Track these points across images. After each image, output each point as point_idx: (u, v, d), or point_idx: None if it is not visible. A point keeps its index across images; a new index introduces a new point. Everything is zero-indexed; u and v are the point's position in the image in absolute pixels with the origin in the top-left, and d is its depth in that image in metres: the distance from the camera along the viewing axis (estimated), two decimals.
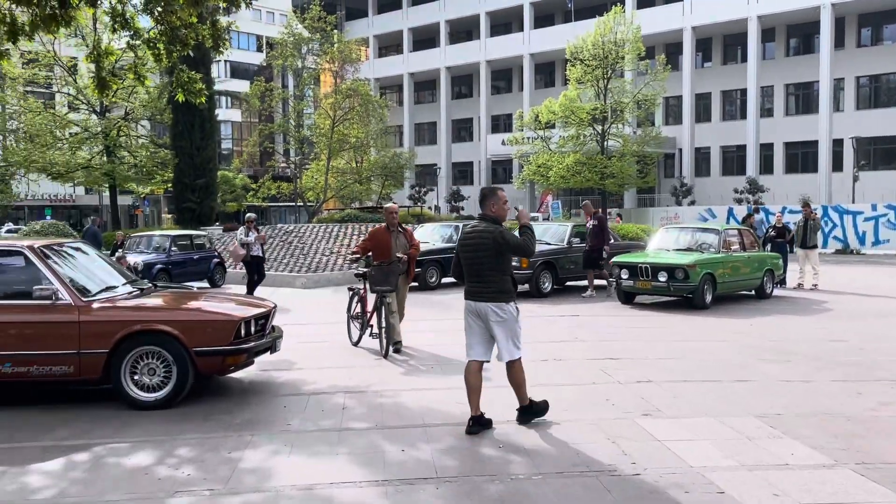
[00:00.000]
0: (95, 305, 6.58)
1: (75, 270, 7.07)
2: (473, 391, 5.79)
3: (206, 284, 18.45)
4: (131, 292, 7.16)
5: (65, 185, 40.40)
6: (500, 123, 54.58)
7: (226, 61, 71.61)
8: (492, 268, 5.72)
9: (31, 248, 6.69)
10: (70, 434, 5.84)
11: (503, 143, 45.60)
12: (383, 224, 9.40)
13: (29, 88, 40.80)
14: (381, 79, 58.60)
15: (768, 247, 16.65)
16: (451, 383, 7.32)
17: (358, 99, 41.70)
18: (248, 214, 15.44)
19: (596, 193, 39.15)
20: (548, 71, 53.40)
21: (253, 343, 6.83)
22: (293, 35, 42.98)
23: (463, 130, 58.47)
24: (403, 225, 9.45)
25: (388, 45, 61.06)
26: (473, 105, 56.16)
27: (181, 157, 33.01)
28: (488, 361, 5.91)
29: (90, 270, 7.31)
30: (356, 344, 9.45)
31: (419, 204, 47.14)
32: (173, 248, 17.68)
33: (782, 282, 16.28)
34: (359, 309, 9.58)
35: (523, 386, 5.96)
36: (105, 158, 34.57)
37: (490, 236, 5.68)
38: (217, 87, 62.11)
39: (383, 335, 8.87)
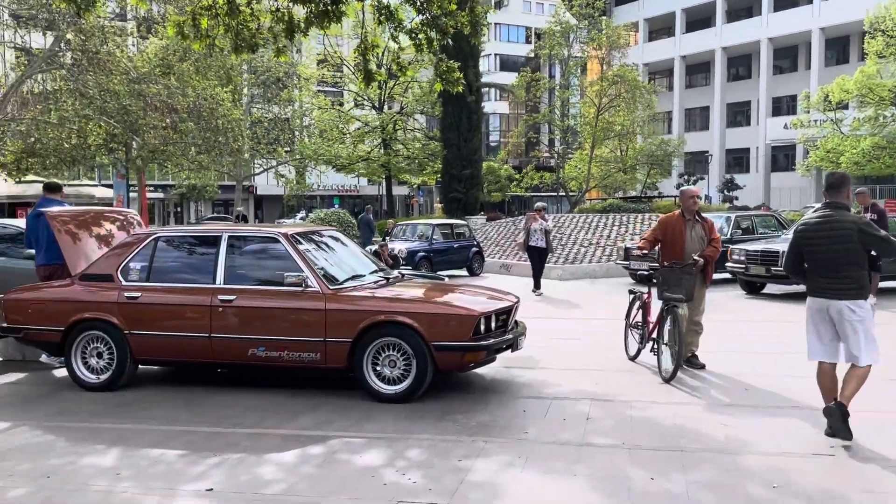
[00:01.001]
0: (342, 294, 6.59)
1: (325, 258, 7.18)
2: (829, 392, 5.40)
3: (464, 273, 18.71)
4: (377, 281, 7.12)
5: (347, 175, 43.63)
6: (782, 106, 49.97)
7: (495, 54, 73.33)
8: (851, 262, 5.21)
9: (284, 235, 6.87)
10: (312, 423, 5.86)
11: (785, 126, 41.61)
12: (677, 211, 7.74)
13: (320, 88, 44.85)
14: (650, 64, 56.37)
15: None
16: (713, 398, 6.42)
17: (624, 85, 40.36)
18: (536, 204, 15.38)
19: None
20: (840, 46, 47.83)
21: (493, 340, 6.45)
22: (560, 24, 42.65)
23: (739, 114, 54.40)
24: (702, 214, 7.75)
25: (659, 29, 58.47)
26: (751, 87, 51.98)
27: (449, 148, 34.17)
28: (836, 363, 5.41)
29: (340, 258, 7.40)
30: (633, 358, 7.98)
31: None
32: (435, 237, 18.12)
33: None
34: (639, 317, 7.97)
35: (857, 391, 5.26)
36: (382, 151, 36.87)
37: (853, 226, 5.18)
38: (485, 79, 64.11)
39: (668, 353, 7.17)
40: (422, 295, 6.94)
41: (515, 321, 7.27)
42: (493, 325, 6.53)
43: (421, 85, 35.16)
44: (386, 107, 39.63)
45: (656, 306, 7.54)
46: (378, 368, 6.44)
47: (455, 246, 18.51)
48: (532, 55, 51.91)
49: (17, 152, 21.17)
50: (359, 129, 37.68)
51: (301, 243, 6.94)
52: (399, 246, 17.27)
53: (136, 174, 26.56)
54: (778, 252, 12.92)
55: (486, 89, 67.72)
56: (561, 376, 7.36)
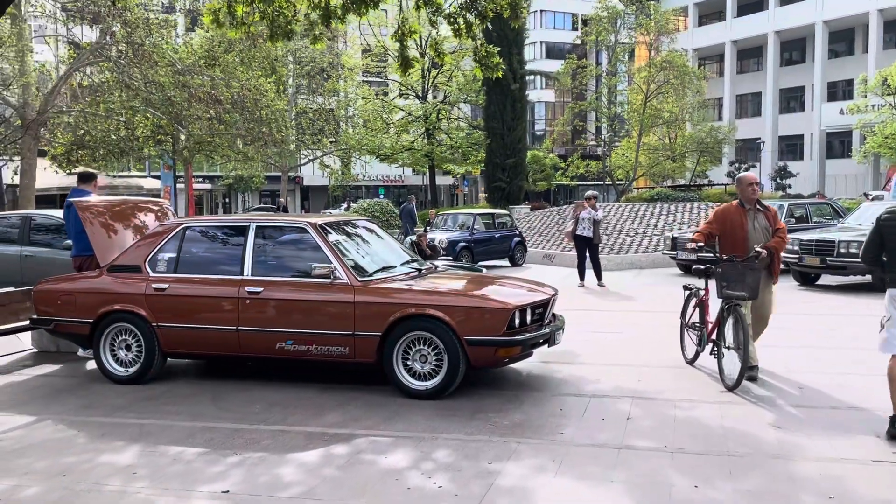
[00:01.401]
0: (371, 286, 6.37)
1: (356, 249, 6.96)
2: None
3: (506, 263, 18.40)
4: (409, 273, 6.87)
5: (391, 165, 43.53)
6: (838, 91, 48.29)
7: (540, 42, 72.48)
8: None
9: (313, 225, 6.65)
10: (339, 421, 5.64)
11: (841, 112, 40.23)
12: (735, 201, 6.93)
13: (364, 78, 44.80)
14: (699, 49, 54.97)
15: None
16: (763, 398, 6.03)
17: (673, 71, 39.44)
18: (587, 192, 14.93)
19: None
20: None
21: (528, 334, 6.15)
22: (607, 9, 41.82)
23: (792, 100, 52.78)
24: (764, 203, 6.93)
25: (709, 13, 56.98)
26: (806, 71, 50.32)
27: (492, 137, 33.83)
28: None
29: (371, 249, 7.17)
30: (692, 362, 7.23)
31: None
32: (476, 227, 17.84)
33: None
34: (696, 317, 7.19)
35: None
36: (425, 140, 36.63)
37: None
38: (530, 67, 63.40)
39: (732, 358, 6.37)
40: (454, 287, 6.68)
41: (553, 314, 6.97)
42: (528, 318, 6.24)
43: (464, 73, 34.76)
44: (430, 96, 39.36)
45: (715, 304, 6.77)
46: (409, 363, 6.20)
47: (497, 236, 18.19)
48: (578, 42, 51.01)
49: (66, 144, 21.48)
50: (402, 118, 37.47)
51: (330, 233, 6.73)
52: (440, 236, 17.04)
53: (183, 165, 26.77)
54: (834, 241, 12.34)
55: (531, 77, 67.23)
56: (601, 372, 7.03)
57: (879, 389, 6.13)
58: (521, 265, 18.51)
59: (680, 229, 18.86)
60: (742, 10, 53.06)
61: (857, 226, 13.22)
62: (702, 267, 6.93)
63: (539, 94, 68.94)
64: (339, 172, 38.63)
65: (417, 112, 36.83)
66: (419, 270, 7.03)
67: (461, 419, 5.62)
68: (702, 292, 7.13)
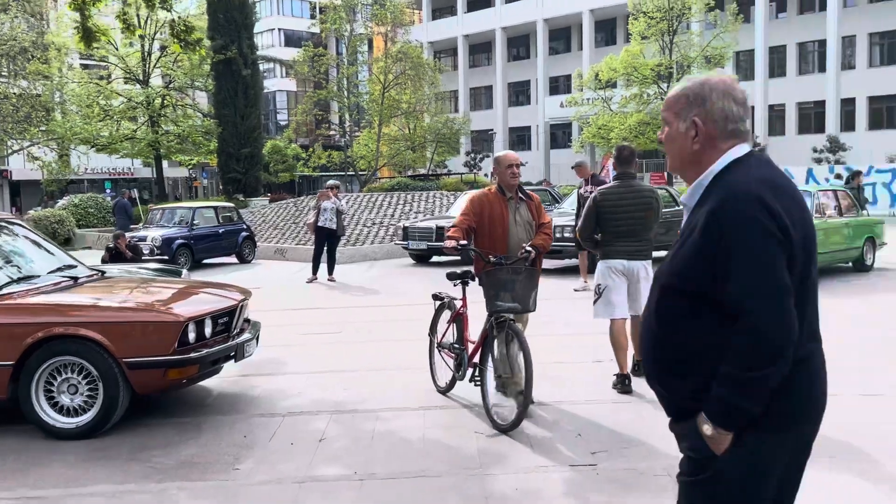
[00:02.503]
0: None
1: None
2: (622, 349, 5.64)
3: (234, 260, 17.12)
4: (58, 284, 5.60)
5: (111, 156, 39.68)
6: (560, 85, 51.99)
7: (279, 29, 70.61)
8: (649, 227, 5.72)
9: None
10: None
11: (561, 105, 43.24)
12: (492, 187, 5.61)
13: (84, 62, 40.28)
14: (435, 42, 56.49)
15: None
16: (468, 398, 5.56)
17: (409, 62, 40.00)
18: (328, 181, 13.93)
19: (661, 156, 36.59)
20: (609, 28, 50.45)
21: (208, 350, 5.20)
22: None
23: (520, 94, 56.05)
24: (525, 189, 5.66)
25: (442, 7, 58.72)
26: (530, 67, 53.62)
27: (225, 125, 31.97)
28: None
29: (6, 254, 5.77)
30: (446, 390, 5.73)
31: (474, 171, 45.27)
32: (196, 222, 16.30)
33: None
34: (452, 335, 5.66)
35: None
36: (149, 129, 33.68)
37: (652, 196, 5.75)
38: (270, 53, 61.23)
39: (505, 389, 5.18)
40: (115, 300, 5.53)
41: (248, 320, 6.08)
42: (208, 331, 5.29)
43: (190, 57, 32.34)
44: (160, 80, 36.27)
45: (475, 317, 5.55)
46: (55, 397, 4.99)
47: (221, 231, 16.80)
48: (316, 30, 50.09)
49: None
50: (121, 105, 34.09)
51: None
52: (154, 233, 15.35)
53: None
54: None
55: (272, 65, 65.11)
56: (305, 382, 6.27)
57: (585, 378, 6.00)
58: (251, 262, 17.31)
59: (416, 218, 18.76)
60: (472, 6, 55.26)
61: (571, 210, 13.71)
62: (457, 272, 5.50)
63: (281, 83, 67.18)
64: (53, 165, 34.35)
65: (139, 98, 33.70)
66: (74, 279, 5.77)
67: (117, 462, 4.55)
68: (458, 303, 5.62)
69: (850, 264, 12.58)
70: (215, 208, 17.49)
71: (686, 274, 1.94)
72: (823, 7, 40.69)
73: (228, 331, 5.60)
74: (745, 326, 1.83)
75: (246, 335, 5.76)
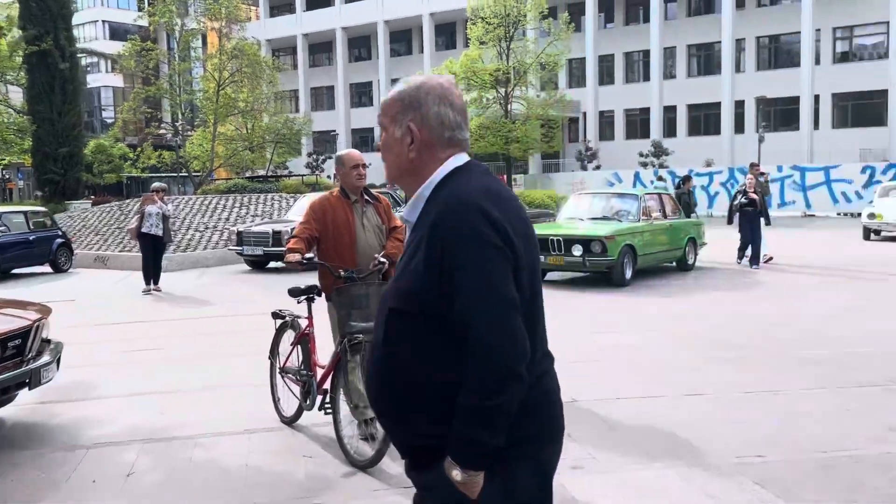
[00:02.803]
0: None
1: None
2: None
3: (47, 269, 15.69)
4: None
5: None
6: None
7: (103, 21, 66.43)
8: None
9: None
10: None
11: None
12: (335, 190, 5.05)
13: None
14: (273, 40, 55.05)
15: (736, 216, 13.64)
16: (313, 418, 5.21)
17: (245, 60, 38.63)
18: (153, 184, 12.86)
19: (500, 159, 37.48)
20: (449, 32, 51.20)
21: None
22: None
23: (363, 95, 55.70)
24: (371, 191, 5.17)
25: (281, 5, 57.34)
26: (372, 68, 53.43)
27: (39, 123, 29.43)
28: None
29: None
30: (292, 421, 5.14)
31: (316, 172, 44.47)
32: (1, 228, 14.76)
33: (755, 259, 13.22)
34: (297, 358, 5.07)
35: None
36: None
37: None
38: (93, 46, 57.36)
39: (359, 419, 4.74)
40: None
41: (48, 340, 5.41)
42: None
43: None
44: None
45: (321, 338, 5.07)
46: None
47: (32, 238, 15.32)
48: (144, 23, 47.34)
49: None
50: None
51: None
52: None
53: None
54: None
55: (95, 60, 61.00)
56: (117, 408, 5.67)
57: None
58: (67, 270, 15.93)
59: (252, 221, 18.01)
60: (311, 5, 54.34)
61: None
62: (301, 287, 4.89)
63: (106, 79, 63.26)
64: None
65: None
66: None
67: None
68: (302, 322, 5.05)
69: (675, 264, 13.27)
70: (25, 213, 15.96)
71: (414, 294, 1.75)
72: (647, 19, 43.24)
73: (21, 355, 4.94)
74: (472, 346, 1.67)
75: (44, 358, 5.11)
